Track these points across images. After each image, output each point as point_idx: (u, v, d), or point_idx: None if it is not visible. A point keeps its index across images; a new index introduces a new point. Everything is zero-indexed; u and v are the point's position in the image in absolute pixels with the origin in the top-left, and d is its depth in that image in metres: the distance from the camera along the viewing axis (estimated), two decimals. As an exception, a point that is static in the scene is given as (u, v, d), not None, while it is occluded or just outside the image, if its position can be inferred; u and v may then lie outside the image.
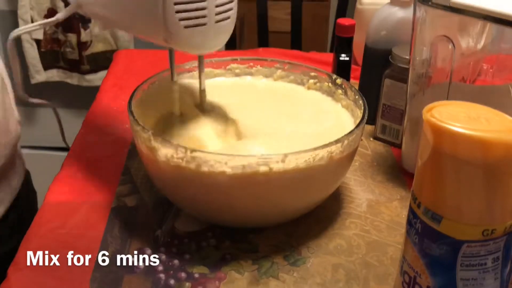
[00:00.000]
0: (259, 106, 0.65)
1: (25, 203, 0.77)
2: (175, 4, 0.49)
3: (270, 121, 0.62)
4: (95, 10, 0.60)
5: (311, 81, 0.68)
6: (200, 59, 0.60)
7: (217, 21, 0.52)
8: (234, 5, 0.54)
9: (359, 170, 0.68)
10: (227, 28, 0.54)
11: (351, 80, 0.78)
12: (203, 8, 0.50)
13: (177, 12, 0.49)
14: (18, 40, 1.49)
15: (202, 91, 0.62)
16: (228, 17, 0.53)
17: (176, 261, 0.52)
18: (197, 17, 0.50)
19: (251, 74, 0.71)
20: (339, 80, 0.65)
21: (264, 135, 0.59)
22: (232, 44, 1.44)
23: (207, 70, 0.68)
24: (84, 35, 1.49)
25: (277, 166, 0.49)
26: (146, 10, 0.51)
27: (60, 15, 0.63)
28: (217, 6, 0.51)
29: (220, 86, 0.68)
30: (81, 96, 1.55)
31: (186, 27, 0.50)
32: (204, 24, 0.51)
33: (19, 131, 0.74)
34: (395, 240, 0.56)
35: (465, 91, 0.58)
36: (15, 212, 0.73)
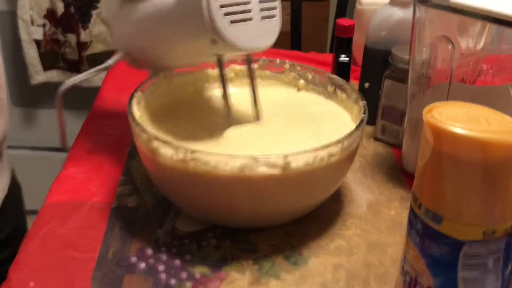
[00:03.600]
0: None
1: (11, 197, 0.79)
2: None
3: (269, 122, 0.62)
4: (141, 49, 0.63)
5: (301, 82, 0.69)
6: (249, 60, 0.62)
7: (263, 18, 0.55)
8: (278, 4, 0.57)
9: (360, 170, 0.68)
10: (274, 27, 0.57)
11: (351, 81, 0.78)
12: (247, 3, 0.54)
13: (221, 6, 0.52)
14: (17, 40, 1.49)
15: (255, 97, 0.63)
16: (273, 16, 0.57)
17: (177, 261, 0.52)
18: (242, 12, 0.54)
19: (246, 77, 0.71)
20: (339, 81, 0.65)
21: (264, 136, 0.59)
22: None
23: (206, 71, 0.69)
24: (84, 36, 1.49)
25: (277, 167, 0.49)
26: (191, 11, 0.53)
27: (111, 61, 0.67)
28: (260, 2, 0.55)
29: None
30: (81, 97, 1.55)
31: (232, 22, 0.53)
32: (249, 19, 0.54)
33: (6, 131, 0.75)
34: (396, 240, 0.56)
35: (465, 92, 0.58)
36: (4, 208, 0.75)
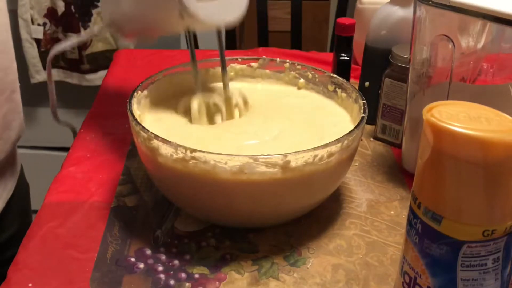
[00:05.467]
0: (255, 109, 0.65)
1: (19, 196, 0.79)
2: None
3: (270, 121, 0.62)
4: (121, 18, 0.65)
5: (301, 81, 0.68)
6: (219, 35, 0.63)
7: None
8: None
9: (359, 170, 0.68)
10: (241, 1, 0.58)
11: (351, 80, 0.78)
12: None
13: None
14: (18, 40, 1.49)
15: (223, 70, 0.64)
16: None
17: (176, 261, 0.52)
18: None
19: (246, 76, 0.71)
20: (339, 80, 0.65)
21: (264, 135, 0.59)
22: (232, 44, 1.44)
23: (205, 70, 0.69)
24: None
25: (277, 166, 0.49)
26: None
27: (96, 29, 0.68)
28: None
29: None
30: (81, 96, 1.56)
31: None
32: None
33: (22, 130, 0.76)
34: (395, 240, 0.56)
35: (465, 91, 0.58)
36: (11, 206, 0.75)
